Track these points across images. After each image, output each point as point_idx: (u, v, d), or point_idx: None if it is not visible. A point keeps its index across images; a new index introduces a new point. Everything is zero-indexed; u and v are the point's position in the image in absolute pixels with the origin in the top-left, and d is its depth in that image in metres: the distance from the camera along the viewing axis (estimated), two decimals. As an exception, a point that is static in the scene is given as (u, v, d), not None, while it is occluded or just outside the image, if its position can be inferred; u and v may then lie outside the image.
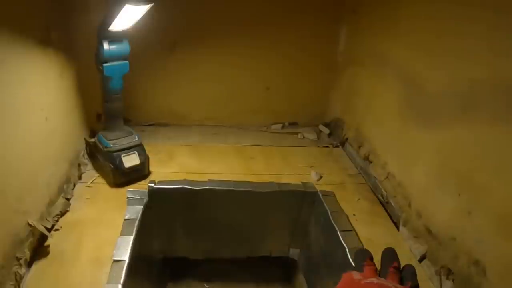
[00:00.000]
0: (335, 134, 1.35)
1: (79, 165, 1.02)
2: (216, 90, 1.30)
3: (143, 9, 0.77)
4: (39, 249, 0.77)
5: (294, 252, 1.14)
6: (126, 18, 0.81)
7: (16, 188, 0.71)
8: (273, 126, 1.38)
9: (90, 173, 1.03)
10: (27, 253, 0.72)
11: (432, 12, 0.83)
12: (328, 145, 1.30)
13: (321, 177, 1.10)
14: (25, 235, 0.73)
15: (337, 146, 1.29)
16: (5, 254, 0.66)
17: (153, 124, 1.32)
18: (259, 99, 1.34)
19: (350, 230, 0.88)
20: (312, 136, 1.34)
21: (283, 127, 1.39)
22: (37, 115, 0.81)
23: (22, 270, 0.70)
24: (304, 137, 1.34)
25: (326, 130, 1.37)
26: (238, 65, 1.26)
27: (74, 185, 0.97)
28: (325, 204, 0.96)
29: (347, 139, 1.26)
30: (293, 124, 1.40)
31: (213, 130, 1.33)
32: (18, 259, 0.70)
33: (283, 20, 1.20)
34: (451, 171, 0.77)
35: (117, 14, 0.77)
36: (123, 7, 0.74)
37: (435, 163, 0.82)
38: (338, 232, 0.87)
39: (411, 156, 0.91)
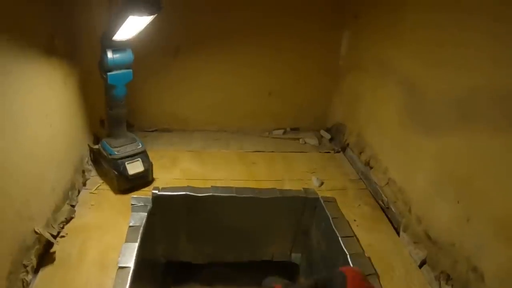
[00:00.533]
0: (336, 139, 1.36)
1: (83, 171, 1.03)
2: (218, 96, 1.31)
3: (147, 19, 0.79)
4: (45, 256, 0.78)
5: (295, 257, 1.15)
6: (130, 28, 0.82)
7: (22, 192, 0.72)
8: (275, 132, 1.39)
9: (94, 180, 1.05)
10: (34, 260, 0.74)
11: (434, 21, 0.84)
12: (330, 151, 1.31)
13: (322, 183, 1.11)
14: (31, 242, 0.74)
15: (338, 152, 1.30)
16: (13, 260, 0.68)
17: (156, 130, 1.34)
18: (260, 104, 1.35)
19: (351, 236, 0.89)
20: (313, 141, 1.35)
21: (284, 132, 1.40)
22: (42, 121, 0.82)
23: (29, 277, 0.72)
24: (305, 143, 1.35)
25: (327, 136, 1.38)
26: (240, 72, 1.28)
27: (79, 192, 0.98)
28: (326, 210, 0.96)
29: (348, 144, 1.27)
30: (294, 129, 1.42)
31: (215, 136, 1.34)
32: (25, 266, 0.71)
33: (284, 27, 1.22)
34: (451, 178, 0.78)
35: (121, 24, 0.78)
36: (127, 18, 0.75)
37: (435, 169, 0.83)
38: (339, 238, 0.88)
39: (411, 162, 0.92)
